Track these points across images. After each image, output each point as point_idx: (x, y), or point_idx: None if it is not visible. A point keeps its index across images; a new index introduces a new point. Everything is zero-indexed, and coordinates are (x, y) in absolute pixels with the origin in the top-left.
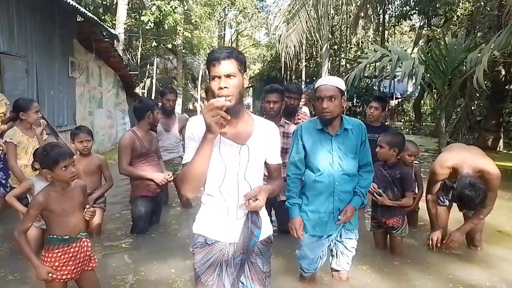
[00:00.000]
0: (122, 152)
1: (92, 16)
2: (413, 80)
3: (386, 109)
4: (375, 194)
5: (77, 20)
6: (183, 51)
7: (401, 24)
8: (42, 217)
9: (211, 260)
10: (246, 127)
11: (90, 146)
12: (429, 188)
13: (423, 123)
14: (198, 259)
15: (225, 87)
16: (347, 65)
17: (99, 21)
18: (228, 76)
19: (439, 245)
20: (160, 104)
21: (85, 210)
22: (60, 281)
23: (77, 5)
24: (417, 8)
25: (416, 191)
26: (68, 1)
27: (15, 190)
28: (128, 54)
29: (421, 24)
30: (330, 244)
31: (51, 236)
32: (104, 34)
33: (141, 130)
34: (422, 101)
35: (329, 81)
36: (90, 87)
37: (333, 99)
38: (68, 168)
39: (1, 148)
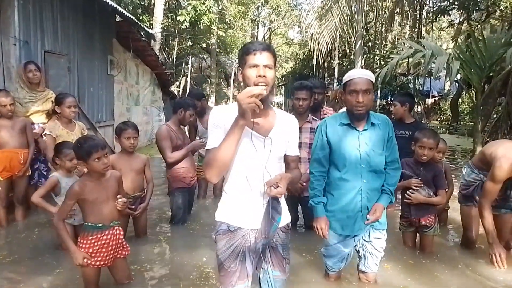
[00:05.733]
0: (163, 143)
1: (130, 16)
2: (448, 77)
3: (416, 105)
4: (408, 192)
5: (116, 20)
6: (217, 50)
7: (439, 20)
8: (79, 205)
9: (234, 246)
10: (269, 120)
11: (136, 144)
12: (490, 192)
13: (461, 122)
14: (221, 246)
15: (264, 76)
16: (381, 62)
17: (137, 21)
18: (266, 66)
19: (504, 262)
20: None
21: (116, 200)
22: (94, 267)
23: (116, 6)
24: (457, 3)
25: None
26: (108, 2)
27: (40, 189)
28: (164, 53)
29: (460, 20)
30: (357, 245)
31: (86, 223)
32: (142, 33)
33: (174, 125)
34: (460, 100)
35: (363, 74)
36: (128, 84)
37: (368, 93)
38: (101, 159)
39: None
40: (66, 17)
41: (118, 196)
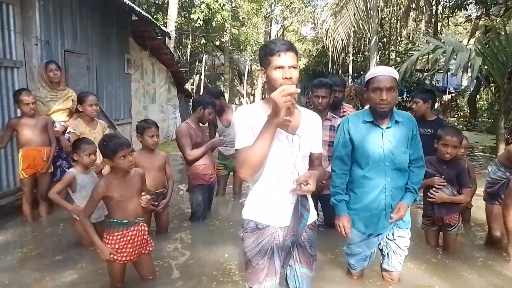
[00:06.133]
0: (183, 140)
1: (146, 15)
2: (469, 73)
3: (436, 102)
4: (431, 190)
5: (132, 19)
6: (230, 47)
7: (455, 15)
8: (104, 203)
9: (262, 243)
10: (295, 118)
11: (158, 141)
12: None
13: (479, 119)
14: (249, 243)
15: (290, 78)
16: (397, 58)
17: (152, 20)
18: (291, 67)
19: None
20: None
21: (141, 198)
22: (120, 263)
23: (132, 5)
24: None
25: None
26: (124, 1)
27: (57, 185)
28: (178, 51)
29: (478, 14)
30: (380, 243)
31: (111, 220)
32: (157, 32)
33: (193, 122)
34: (478, 96)
35: (387, 71)
36: (144, 83)
37: (392, 90)
38: (126, 157)
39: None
40: (84, 17)
41: (142, 193)
